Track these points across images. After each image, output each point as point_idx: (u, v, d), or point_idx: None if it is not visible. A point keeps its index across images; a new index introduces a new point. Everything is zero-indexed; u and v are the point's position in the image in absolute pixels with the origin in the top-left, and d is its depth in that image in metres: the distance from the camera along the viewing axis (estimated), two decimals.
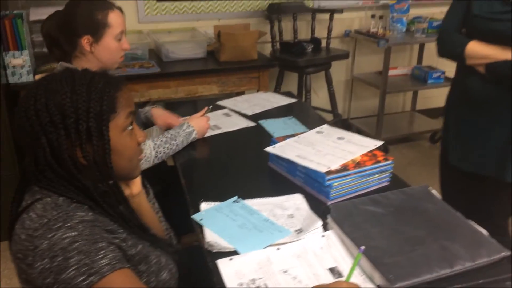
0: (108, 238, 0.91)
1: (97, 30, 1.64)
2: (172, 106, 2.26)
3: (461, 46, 1.67)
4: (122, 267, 0.87)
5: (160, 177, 1.91)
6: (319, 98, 3.82)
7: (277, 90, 3.30)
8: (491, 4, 1.61)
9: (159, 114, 1.93)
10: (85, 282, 0.82)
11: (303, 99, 3.34)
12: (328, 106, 3.58)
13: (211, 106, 1.95)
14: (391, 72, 3.78)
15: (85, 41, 1.64)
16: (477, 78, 1.69)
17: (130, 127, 1.04)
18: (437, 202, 1.27)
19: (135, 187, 1.20)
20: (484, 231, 1.16)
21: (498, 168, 1.71)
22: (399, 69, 3.88)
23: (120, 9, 1.72)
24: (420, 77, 3.76)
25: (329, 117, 3.55)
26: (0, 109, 2.40)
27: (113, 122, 0.99)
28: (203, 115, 1.84)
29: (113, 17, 1.67)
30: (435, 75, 3.65)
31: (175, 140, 1.69)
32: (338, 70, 3.82)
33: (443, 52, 1.79)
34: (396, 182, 1.46)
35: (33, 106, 0.94)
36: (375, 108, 3.71)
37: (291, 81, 3.61)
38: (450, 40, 1.73)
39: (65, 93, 0.95)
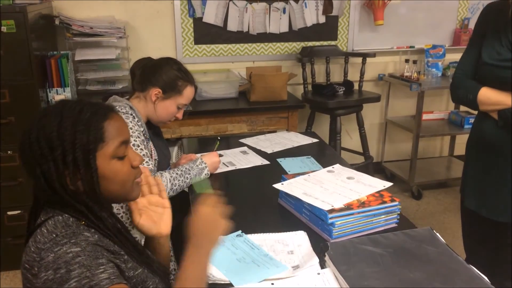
0: (109, 256, 0.97)
1: (170, 91, 1.79)
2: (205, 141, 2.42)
3: (474, 92, 1.66)
4: (120, 282, 0.92)
5: (181, 206, 1.97)
6: (353, 140, 3.82)
7: (307, 130, 3.34)
8: (499, 51, 1.61)
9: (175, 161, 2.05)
10: None
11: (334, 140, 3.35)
12: (360, 149, 3.57)
13: (219, 138, 2.05)
14: (427, 116, 3.75)
15: (154, 92, 1.78)
16: (491, 123, 1.67)
17: (122, 155, 1.06)
18: (439, 245, 1.25)
19: (165, 227, 1.22)
20: (484, 277, 1.12)
21: None
22: (435, 114, 3.84)
23: (196, 88, 1.89)
24: (457, 122, 3.70)
25: (361, 159, 3.54)
26: None
27: (102, 151, 1.02)
28: (214, 150, 1.92)
29: (188, 91, 1.83)
30: (472, 120, 3.56)
31: (189, 174, 1.76)
32: (372, 113, 3.82)
33: (456, 98, 1.79)
34: (404, 224, 1.45)
35: (27, 140, 1.01)
36: (410, 152, 3.66)
37: (323, 123, 3.63)
38: (463, 86, 1.73)
39: (53, 127, 1.00)
